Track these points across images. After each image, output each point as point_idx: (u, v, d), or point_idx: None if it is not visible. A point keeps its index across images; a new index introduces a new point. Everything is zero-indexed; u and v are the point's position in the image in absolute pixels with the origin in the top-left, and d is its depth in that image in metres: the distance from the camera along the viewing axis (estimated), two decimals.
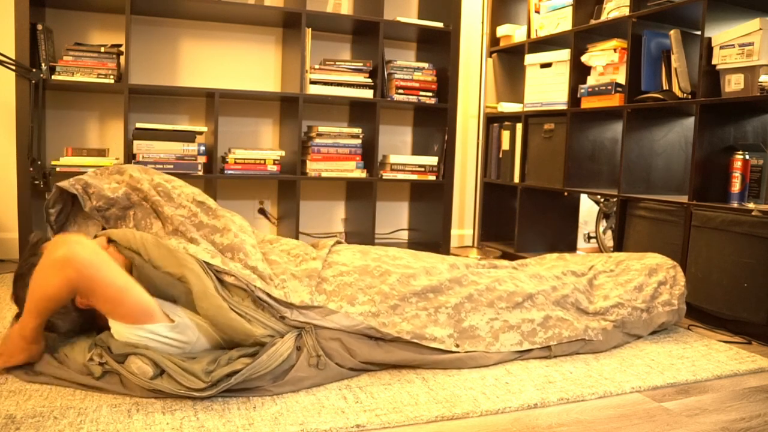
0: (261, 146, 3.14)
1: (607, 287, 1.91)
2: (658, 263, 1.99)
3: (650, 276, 1.94)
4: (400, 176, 3.11)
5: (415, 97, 3.12)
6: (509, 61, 3.53)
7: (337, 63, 2.98)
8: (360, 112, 3.18)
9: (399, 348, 1.53)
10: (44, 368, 1.38)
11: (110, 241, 1.51)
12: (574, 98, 2.86)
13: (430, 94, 3.16)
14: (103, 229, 1.66)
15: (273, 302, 1.47)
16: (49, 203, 1.63)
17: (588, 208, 3.57)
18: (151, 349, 1.35)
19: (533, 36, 3.17)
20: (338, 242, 1.85)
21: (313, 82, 2.92)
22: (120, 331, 1.36)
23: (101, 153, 2.60)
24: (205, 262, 1.49)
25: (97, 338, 1.40)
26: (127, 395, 1.32)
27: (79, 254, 1.29)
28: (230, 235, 1.59)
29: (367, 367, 1.52)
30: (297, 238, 2.85)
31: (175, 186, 1.70)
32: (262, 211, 3.17)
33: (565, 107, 2.90)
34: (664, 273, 1.96)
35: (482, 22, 3.32)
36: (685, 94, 2.38)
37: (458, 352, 1.57)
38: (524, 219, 3.18)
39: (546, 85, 3.03)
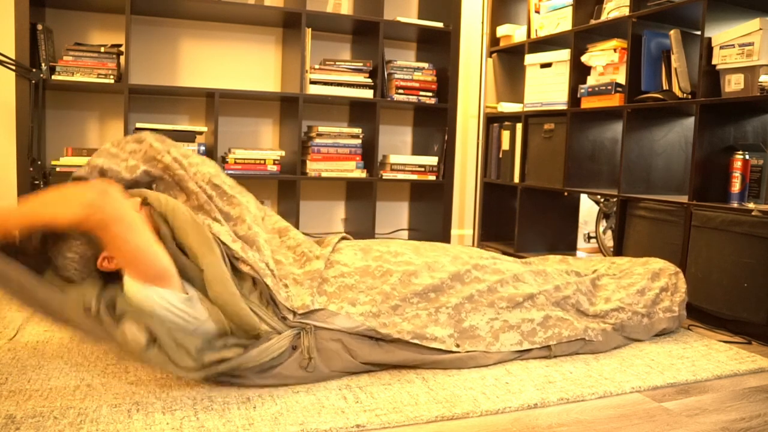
0: (261, 146, 3.14)
1: (609, 289, 1.91)
2: (661, 268, 1.99)
3: (653, 281, 1.95)
4: (400, 176, 3.11)
5: (415, 97, 3.12)
6: (509, 61, 3.53)
7: (337, 63, 2.98)
8: (360, 112, 3.18)
9: (399, 348, 1.53)
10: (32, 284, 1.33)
11: (145, 203, 1.49)
12: (574, 98, 2.86)
13: (430, 94, 3.16)
14: None
15: (277, 301, 1.47)
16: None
17: (588, 208, 3.57)
18: (157, 317, 1.33)
19: (533, 36, 3.17)
20: (344, 238, 1.83)
21: (313, 82, 2.92)
22: (133, 289, 1.33)
23: None
24: (225, 244, 1.47)
25: (105, 291, 1.37)
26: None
27: (109, 205, 1.28)
28: (244, 226, 1.57)
29: (368, 367, 1.52)
30: None
31: (192, 163, 1.62)
32: None
33: (565, 107, 2.90)
34: (666, 279, 1.96)
35: (482, 22, 3.32)
36: (685, 94, 2.38)
37: (459, 352, 1.57)
38: (524, 219, 3.18)
39: (546, 85, 3.03)
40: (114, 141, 1.61)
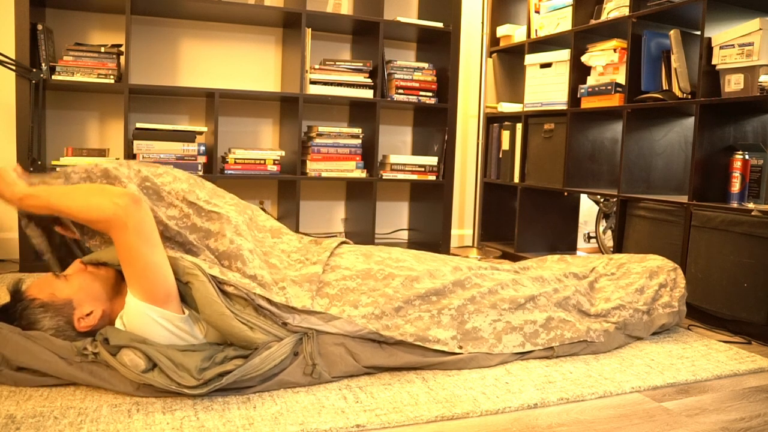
0: (261, 146, 3.14)
1: (608, 290, 1.92)
2: (659, 266, 1.99)
3: (651, 279, 1.95)
4: (400, 176, 3.11)
5: (415, 97, 3.12)
6: (509, 61, 3.53)
7: (337, 63, 2.98)
8: (360, 112, 3.18)
9: (402, 351, 1.52)
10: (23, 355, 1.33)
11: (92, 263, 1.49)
12: (574, 98, 2.86)
13: (430, 94, 3.16)
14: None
15: (274, 308, 1.45)
16: (42, 250, 1.56)
17: (588, 208, 3.57)
18: (155, 336, 1.35)
19: (533, 36, 3.17)
20: (344, 242, 1.81)
21: (313, 82, 2.92)
22: (135, 307, 1.35)
23: (101, 153, 2.60)
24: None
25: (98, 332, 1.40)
26: (120, 393, 1.32)
27: (141, 209, 1.32)
28: (225, 241, 1.52)
29: (370, 370, 1.51)
30: None
31: (165, 182, 1.57)
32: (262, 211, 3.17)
33: (565, 107, 2.90)
34: (665, 275, 1.96)
35: (482, 22, 3.32)
36: (685, 94, 2.38)
37: (461, 353, 1.57)
38: (524, 219, 3.18)
39: (546, 85, 3.03)
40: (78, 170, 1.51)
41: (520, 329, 1.65)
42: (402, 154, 3.40)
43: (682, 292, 1.95)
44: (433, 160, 3.18)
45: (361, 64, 3.01)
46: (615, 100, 2.61)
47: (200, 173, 2.71)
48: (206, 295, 1.39)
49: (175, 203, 1.56)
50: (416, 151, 3.43)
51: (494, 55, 3.50)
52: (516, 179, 3.25)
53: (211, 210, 1.57)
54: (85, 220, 1.35)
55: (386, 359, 1.50)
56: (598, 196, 3.10)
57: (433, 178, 3.18)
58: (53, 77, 2.50)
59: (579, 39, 2.85)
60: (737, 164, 2.17)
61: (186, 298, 1.47)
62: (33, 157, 2.33)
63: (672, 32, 2.40)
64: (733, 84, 2.12)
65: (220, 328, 1.39)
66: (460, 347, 1.57)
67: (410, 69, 3.13)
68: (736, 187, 2.18)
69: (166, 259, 1.37)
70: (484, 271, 1.81)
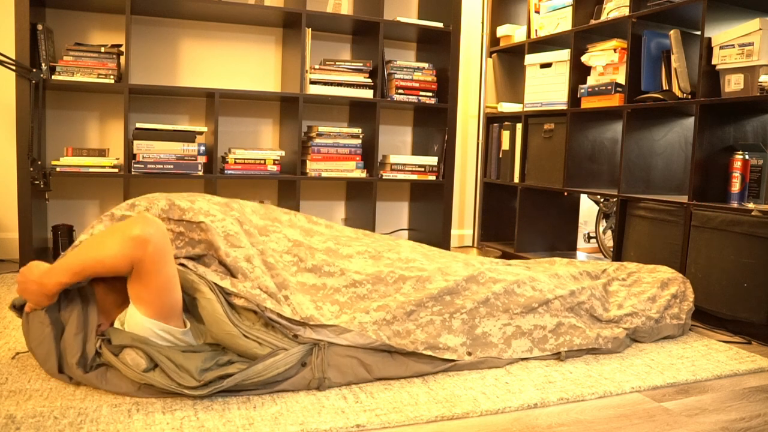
0: (261, 146, 3.14)
1: (621, 295, 1.92)
2: (670, 278, 2.00)
3: (663, 289, 1.96)
4: (400, 176, 3.11)
5: (415, 97, 3.12)
6: (509, 61, 3.53)
7: (337, 63, 2.98)
8: (360, 112, 3.18)
9: (413, 360, 1.52)
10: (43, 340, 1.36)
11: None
12: (574, 98, 2.86)
13: (430, 94, 3.16)
14: None
15: (284, 321, 1.43)
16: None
17: (588, 208, 3.57)
18: (153, 343, 1.35)
19: (533, 36, 3.17)
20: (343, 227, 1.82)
21: (313, 82, 2.92)
22: (137, 319, 1.35)
23: (101, 153, 2.60)
24: (215, 284, 1.44)
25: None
26: (120, 394, 1.32)
27: (155, 239, 1.28)
28: (221, 254, 1.49)
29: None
30: None
31: (140, 212, 1.50)
32: None
33: (565, 107, 2.90)
34: (676, 287, 1.97)
35: (482, 22, 3.32)
36: (685, 94, 2.38)
37: (471, 359, 1.57)
38: (524, 219, 3.18)
39: (546, 85, 3.03)
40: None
41: (529, 334, 1.65)
42: (402, 154, 3.40)
43: (690, 305, 1.95)
44: (433, 160, 3.18)
45: (361, 64, 3.01)
46: (615, 100, 2.61)
47: (200, 173, 2.71)
48: (212, 314, 1.38)
49: (167, 226, 1.52)
50: (416, 151, 3.43)
51: (494, 55, 3.50)
52: (516, 179, 3.25)
53: (199, 221, 1.52)
54: (110, 270, 1.29)
55: (397, 369, 1.49)
56: (598, 196, 3.10)
57: (433, 178, 3.18)
58: (53, 77, 2.50)
59: (579, 39, 2.85)
60: (737, 164, 2.17)
61: (192, 310, 1.47)
62: (33, 157, 2.33)
63: (672, 32, 2.40)
64: (733, 84, 2.12)
65: (227, 345, 1.39)
66: (469, 353, 1.56)
67: (410, 69, 3.13)
68: (736, 187, 2.18)
69: (176, 272, 1.36)
70: (498, 266, 1.79)
